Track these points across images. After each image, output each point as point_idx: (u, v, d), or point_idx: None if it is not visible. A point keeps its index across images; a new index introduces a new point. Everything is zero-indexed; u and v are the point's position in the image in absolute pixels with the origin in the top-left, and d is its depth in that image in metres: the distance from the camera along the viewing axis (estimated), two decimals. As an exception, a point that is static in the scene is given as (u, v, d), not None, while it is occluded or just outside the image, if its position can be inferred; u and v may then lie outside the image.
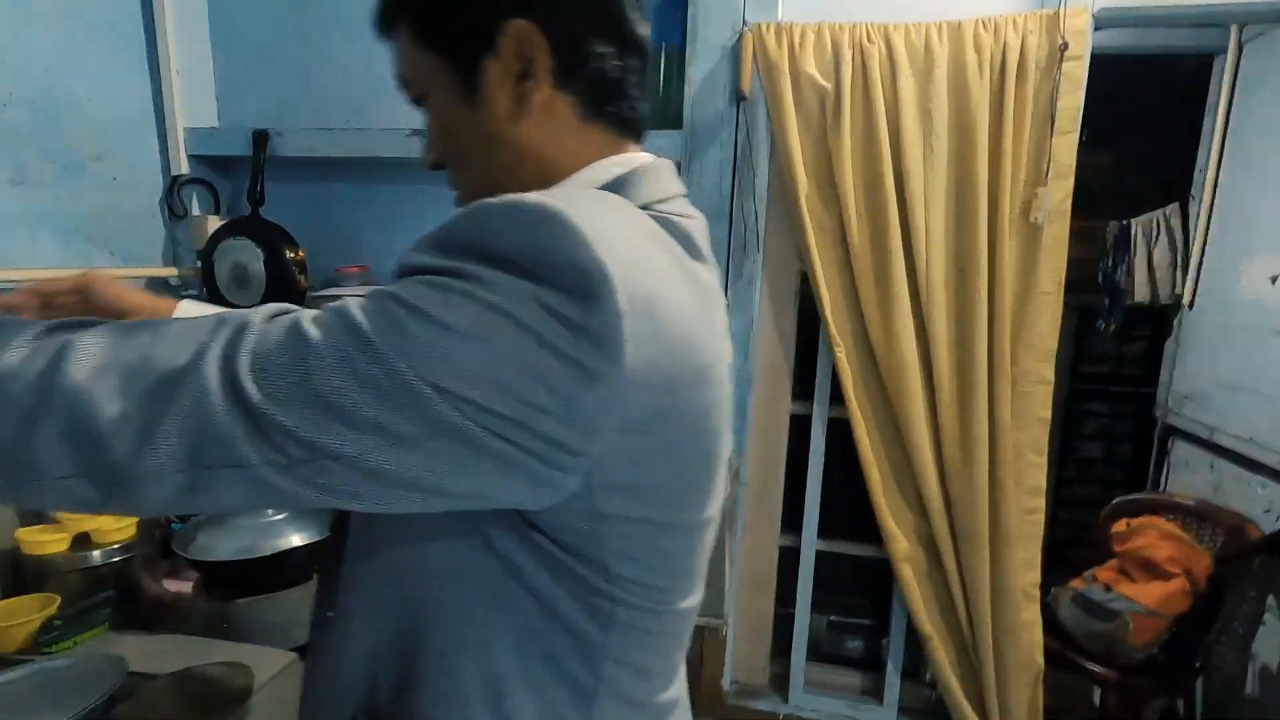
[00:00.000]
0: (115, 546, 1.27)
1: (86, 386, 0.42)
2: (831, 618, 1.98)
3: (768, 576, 1.90)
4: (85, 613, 1.22)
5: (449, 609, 0.53)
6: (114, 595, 1.28)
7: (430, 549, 0.53)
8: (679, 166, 1.71)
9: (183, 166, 1.77)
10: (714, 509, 0.58)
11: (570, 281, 0.43)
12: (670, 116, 1.71)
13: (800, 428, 1.85)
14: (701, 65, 1.65)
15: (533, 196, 0.45)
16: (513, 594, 0.52)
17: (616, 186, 0.54)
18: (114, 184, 1.65)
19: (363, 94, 1.82)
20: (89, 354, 0.43)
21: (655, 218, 0.52)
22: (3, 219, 1.42)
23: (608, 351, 0.43)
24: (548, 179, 0.54)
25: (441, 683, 0.54)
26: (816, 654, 1.95)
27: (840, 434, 1.76)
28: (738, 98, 1.64)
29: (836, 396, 1.75)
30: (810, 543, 1.86)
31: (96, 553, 1.25)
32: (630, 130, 0.58)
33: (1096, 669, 1.62)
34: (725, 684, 1.89)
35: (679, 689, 0.65)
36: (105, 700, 0.99)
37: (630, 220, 0.50)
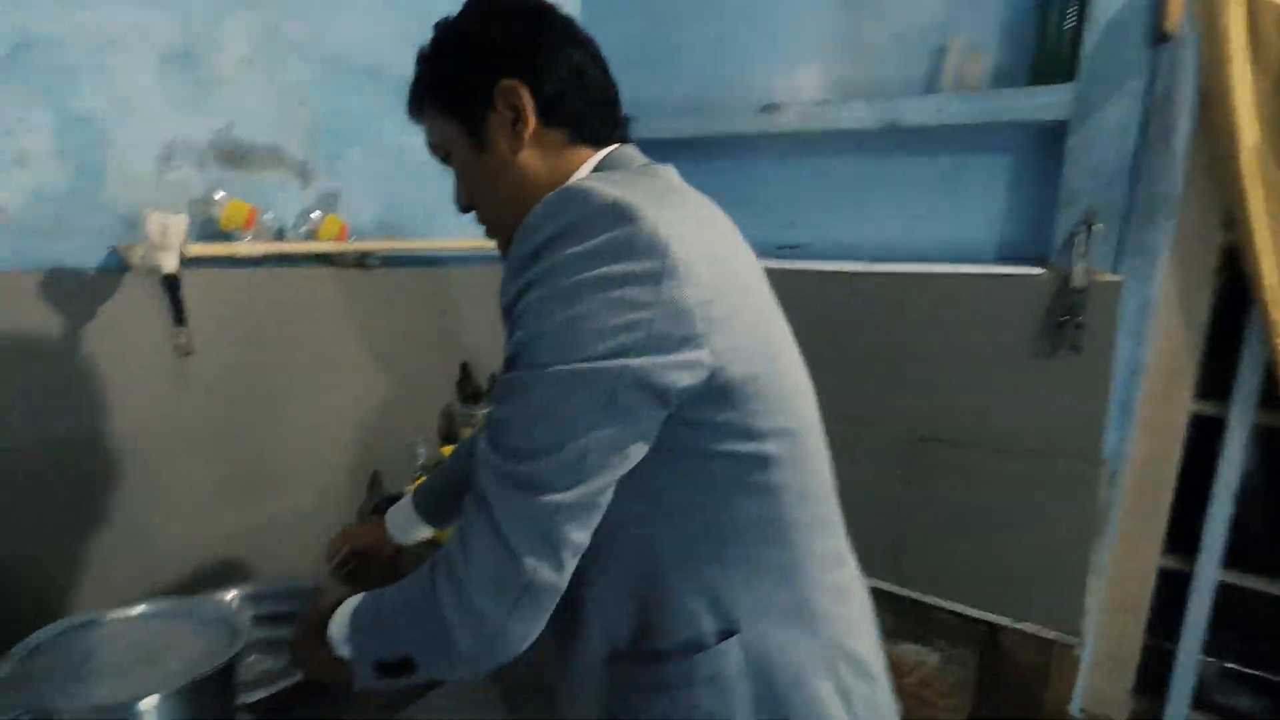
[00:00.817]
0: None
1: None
2: (1226, 664, 1.64)
3: (1139, 600, 1.63)
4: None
5: (661, 544, 0.63)
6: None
7: (638, 499, 0.61)
8: (1065, 126, 1.52)
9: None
10: (797, 356, 0.70)
11: (600, 223, 0.54)
12: (1056, 70, 1.52)
13: (1203, 431, 1.55)
14: (1108, 6, 1.44)
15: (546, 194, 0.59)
16: (702, 511, 0.61)
17: (601, 167, 0.70)
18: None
19: (707, 73, 1.91)
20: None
21: (638, 170, 0.69)
22: (437, 202, 1.76)
23: (658, 251, 0.54)
24: (551, 190, 0.64)
25: (671, 608, 0.63)
26: (1200, 702, 1.64)
27: (1267, 445, 1.43)
28: (1158, 39, 1.40)
29: (1264, 399, 1.42)
30: (1211, 570, 1.55)
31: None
32: (605, 141, 0.73)
33: None
34: (1073, 710, 1.68)
35: (844, 543, 0.74)
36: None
37: (621, 175, 0.65)
